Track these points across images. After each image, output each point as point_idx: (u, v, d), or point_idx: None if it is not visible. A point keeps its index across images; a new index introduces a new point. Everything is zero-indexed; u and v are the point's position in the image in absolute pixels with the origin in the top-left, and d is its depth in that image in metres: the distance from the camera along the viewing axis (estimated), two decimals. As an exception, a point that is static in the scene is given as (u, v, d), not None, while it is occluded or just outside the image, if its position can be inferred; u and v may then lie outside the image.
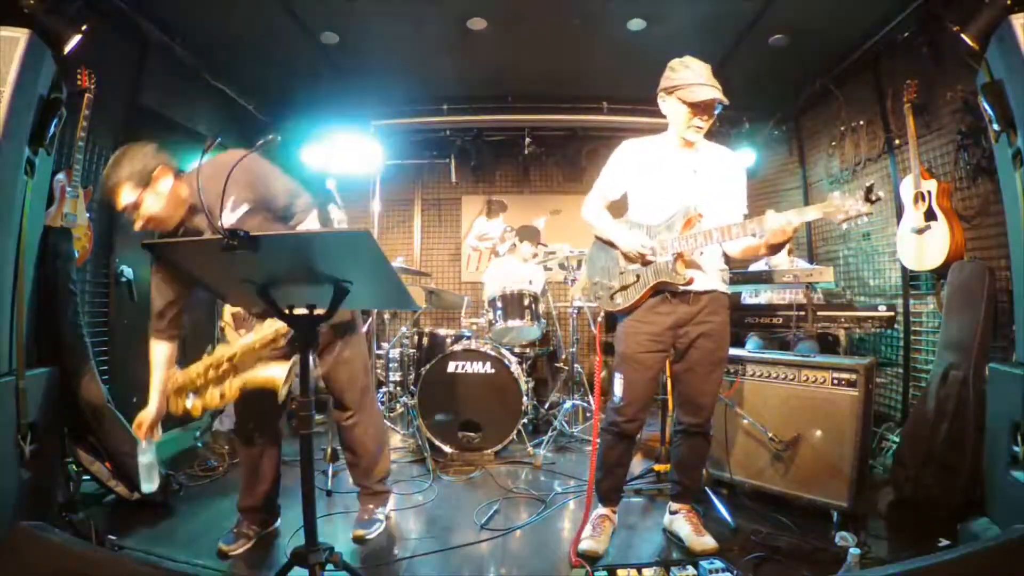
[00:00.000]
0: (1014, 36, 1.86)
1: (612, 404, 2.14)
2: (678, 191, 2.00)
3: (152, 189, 1.80)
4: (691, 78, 1.93)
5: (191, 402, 1.87)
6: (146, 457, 2.14)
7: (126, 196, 1.77)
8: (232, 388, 1.84)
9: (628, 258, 2.05)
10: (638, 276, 2.03)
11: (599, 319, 2.40)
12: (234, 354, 1.83)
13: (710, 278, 2.03)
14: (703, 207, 1.96)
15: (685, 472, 2.19)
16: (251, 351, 1.84)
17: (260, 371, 1.84)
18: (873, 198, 1.68)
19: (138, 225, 1.83)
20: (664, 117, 2.05)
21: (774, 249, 1.89)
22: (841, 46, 3.47)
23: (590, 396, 3.88)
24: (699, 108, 1.93)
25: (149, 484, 2.16)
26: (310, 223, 1.97)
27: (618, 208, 2.19)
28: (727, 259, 2.13)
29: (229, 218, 1.79)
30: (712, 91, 1.90)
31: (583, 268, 2.31)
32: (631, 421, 2.08)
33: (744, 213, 2.04)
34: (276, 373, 1.81)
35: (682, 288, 1.98)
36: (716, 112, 1.97)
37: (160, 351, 1.96)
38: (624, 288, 2.07)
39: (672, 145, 2.07)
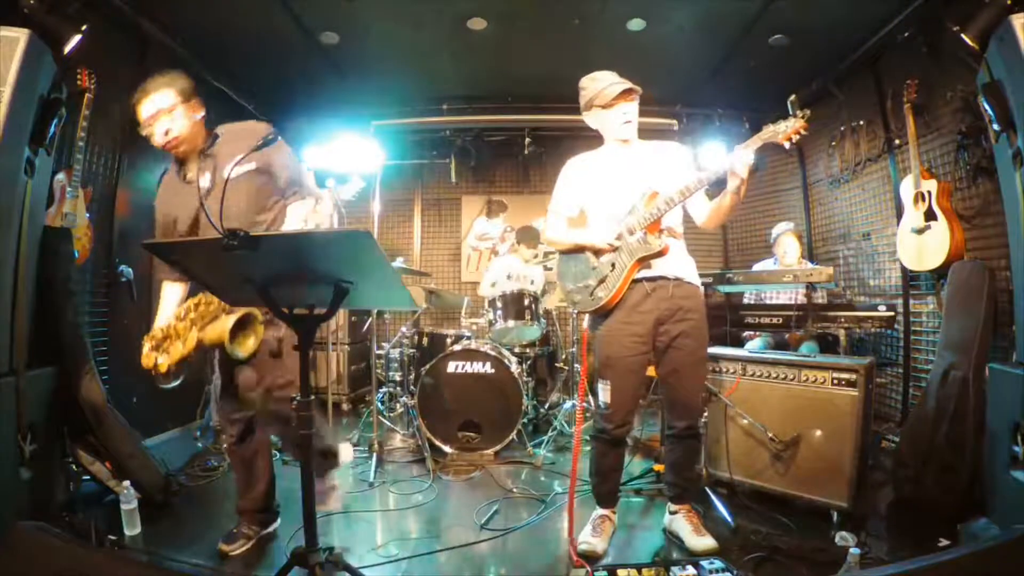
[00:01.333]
0: (1014, 36, 1.86)
1: (599, 411, 2.12)
2: (630, 187, 2.03)
3: (189, 107, 1.90)
4: (599, 85, 2.03)
5: (161, 358, 1.82)
6: (129, 504, 2.16)
7: (166, 99, 1.85)
8: (191, 339, 1.80)
9: (598, 252, 2.06)
10: (614, 264, 2.03)
11: (584, 325, 2.40)
12: (199, 301, 1.80)
13: (683, 266, 2.06)
14: (658, 187, 1.99)
15: (681, 474, 2.19)
16: (213, 303, 1.80)
17: (214, 324, 1.79)
18: (800, 114, 1.78)
19: (159, 137, 1.86)
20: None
21: (737, 194, 1.90)
22: (841, 46, 3.47)
23: (590, 397, 3.87)
24: (617, 102, 2.01)
25: (132, 529, 2.16)
26: (303, 207, 1.99)
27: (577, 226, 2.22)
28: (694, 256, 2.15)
29: (234, 170, 1.77)
30: (620, 84, 1.99)
31: (557, 283, 2.31)
32: (621, 426, 2.08)
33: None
34: (224, 323, 1.75)
35: (660, 272, 1.99)
36: (636, 100, 2.04)
37: (171, 291, 1.99)
38: (603, 280, 2.04)
39: (611, 150, 2.13)
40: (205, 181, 1.92)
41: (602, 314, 2.07)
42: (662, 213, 1.94)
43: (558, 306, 3.99)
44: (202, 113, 1.95)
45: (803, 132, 1.79)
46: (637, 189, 2.01)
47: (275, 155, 1.95)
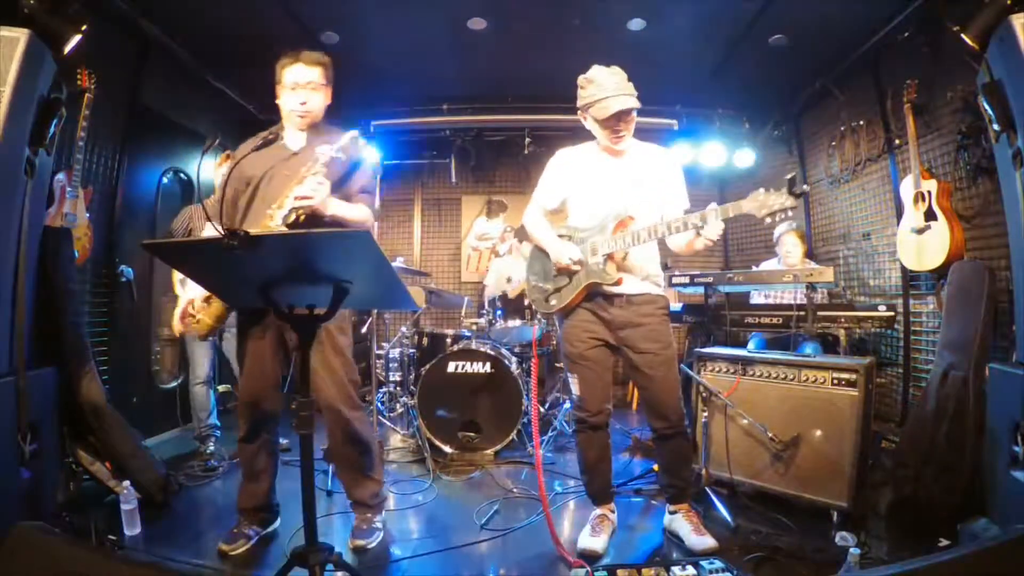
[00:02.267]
0: (1014, 36, 1.86)
1: (574, 404, 2.18)
2: (613, 197, 2.04)
3: (327, 91, 2.09)
4: (598, 93, 1.94)
5: (200, 315, 1.98)
6: (129, 504, 2.17)
7: (314, 75, 2.02)
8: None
9: (557, 267, 2.09)
10: (570, 278, 2.07)
11: (536, 321, 2.45)
12: None
13: (641, 282, 2.07)
14: (639, 210, 2.00)
15: (674, 474, 2.18)
16: None
17: None
18: (797, 191, 1.73)
19: (293, 103, 2.01)
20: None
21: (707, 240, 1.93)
22: (841, 46, 3.47)
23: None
24: (612, 120, 1.95)
25: (132, 529, 2.17)
26: (364, 210, 2.12)
27: (557, 219, 2.25)
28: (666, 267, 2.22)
29: (325, 149, 1.94)
30: (621, 101, 1.90)
31: (525, 271, 2.34)
32: (597, 414, 2.12)
33: (686, 208, 2.06)
34: None
35: (612, 291, 2.02)
36: (634, 115, 1.98)
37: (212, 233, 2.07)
38: (557, 290, 2.10)
39: (603, 154, 2.12)
40: (295, 147, 2.06)
41: (560, 313, 2.14)
42: (628, 247, 1.97)
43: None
44: (330, 102, 2.10)
45: (789, 214, 1.76)
46: (617, 203, 2.02)
47: (362, 163, 2.14)
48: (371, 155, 2.14)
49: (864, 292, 3.82)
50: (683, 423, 2.13)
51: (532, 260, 2.26)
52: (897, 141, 3.38)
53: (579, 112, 2.09)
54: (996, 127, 2.00)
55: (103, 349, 3.12)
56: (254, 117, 4.51)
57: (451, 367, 3.24)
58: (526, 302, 3.55)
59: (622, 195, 2.03)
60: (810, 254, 4.44)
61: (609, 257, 1.99)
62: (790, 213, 1.75)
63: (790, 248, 3.66)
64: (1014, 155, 1.93)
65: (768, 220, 1.77)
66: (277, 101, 2.08)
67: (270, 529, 2.23)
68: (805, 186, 1.76)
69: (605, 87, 1.94)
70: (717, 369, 2.59)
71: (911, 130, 2.90)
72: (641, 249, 2.05)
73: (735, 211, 1.82)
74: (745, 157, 4.69)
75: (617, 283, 1.98)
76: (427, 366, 3.27)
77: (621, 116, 1.94)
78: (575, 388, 2.13)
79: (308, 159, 1.95)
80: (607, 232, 2.00)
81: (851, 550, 1.74)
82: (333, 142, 1.98)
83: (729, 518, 2.26)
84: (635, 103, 1.93)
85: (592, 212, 2.07)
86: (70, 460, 2.30)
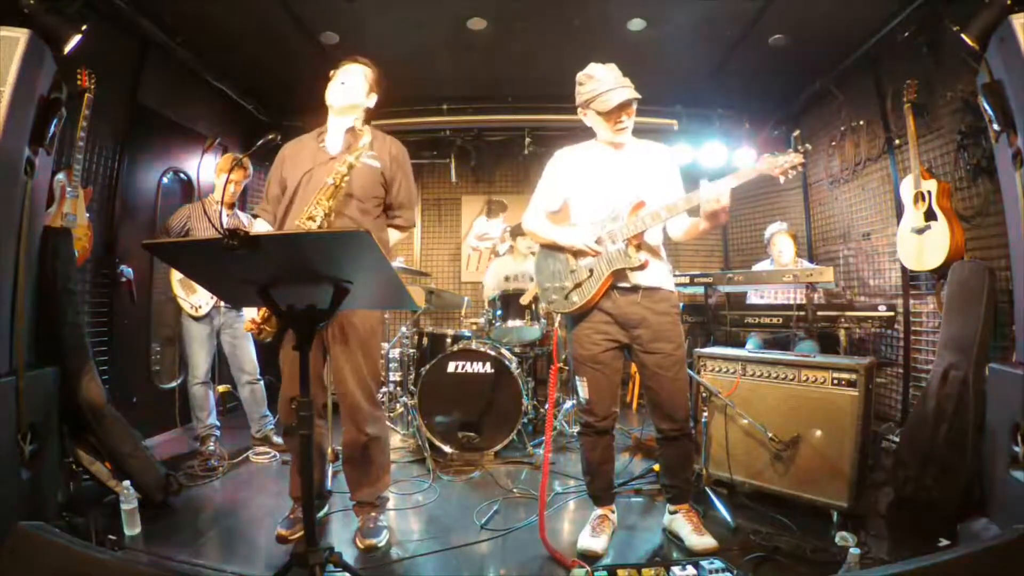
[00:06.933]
0: (1014, 36, 1.86)
1: (580, 406, 2.17)
2: (620, 186, 2.04)
3: (370, 93, 2.23)
4: (599, 87, 1.97)
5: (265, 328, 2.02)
6: (129, 504, 2.17)
7: (366, 78, 2.19)
8: None
9: (576, 254, 2.07)
10: (591, 271, 2.04)
11: (555, 325, 2.44)
12: None
13: (657, 276, 2.06)
14: (648, 197, 2.00)
15: (675, 475, 2.18)
16: None
17: None
18: (800, 149, 1.81)
19: (337, 86, 2.15)
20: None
21: (713, 220, 1.90)
22: (841, 46, 3.47)
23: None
24: (615, 112, 1.98)
25: (132, 529, 2.17)
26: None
27: (558, 221, 2.23)
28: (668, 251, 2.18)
29: (368, 158, 2.07)
30: (622, 93, 1.95)
31: (534, 278, 2.34)
32: (604, 418, 2.12)
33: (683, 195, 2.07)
34: None
35: (633, 281, 2.01)
36: (634, 107, 2.02)
37: (262, 227, 2.21)
38: (578, 285, 2.06)
39: (603, 149, 2.12)
40: (333, 151, 2.13)
41: (575, 315, 2.10)
42: (647, 227, 1.96)
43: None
44: (372, 105, 2.24)
45: (800, 169, 1.82)
46: (623, 195, 2.01)
47: (398, 166, 2.19)
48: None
49: (864, 292, 3.82)
50: (688, 424, 2.13)
51: (541, 262, 2.21)
52: (897, 141, 3.38)
53: (579, 109, 2.09)
54: (996, 127, 2.00)
55: (103, 349, 3.12)
56: (254, 117, 4.51)
57: (451, 367, 3.24)
58: (524, 302, 3.54)
59: (629, 183, 2.03)
60: (810, 254, 4.45)
61: (629, 241, 1.97)
62: (800, 169, 1.82)
63: (782, 248, 3.68)
64: (1014, 155, 1.93)
65: (782, 178, 1.83)
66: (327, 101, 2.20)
67: (321, 514, 2.30)
68: (807, 145, 1.84)
69: (605, 81, 1.98)
70: (717, 369, 2.59)
71: (911, 130, 2.90)
72: (653, 237, 2.07)
73: (752, 174, 1.86)
74: (745, 157, 4.69)
75: (643, 265, 1.96)
76: (427, 366, 3.26)
77: (623, 107, 1.98)
78: (583, 391, 2.12)
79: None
80: (622, 219, 1.98)
81: (851, 550, 1.75)
82: (370, 149, 2.06)
83: (729, 518, 2.26)
84: (636, 94, 1.96)
85: (600, 204, 2.06)
86: (70, 460, 2.29)
